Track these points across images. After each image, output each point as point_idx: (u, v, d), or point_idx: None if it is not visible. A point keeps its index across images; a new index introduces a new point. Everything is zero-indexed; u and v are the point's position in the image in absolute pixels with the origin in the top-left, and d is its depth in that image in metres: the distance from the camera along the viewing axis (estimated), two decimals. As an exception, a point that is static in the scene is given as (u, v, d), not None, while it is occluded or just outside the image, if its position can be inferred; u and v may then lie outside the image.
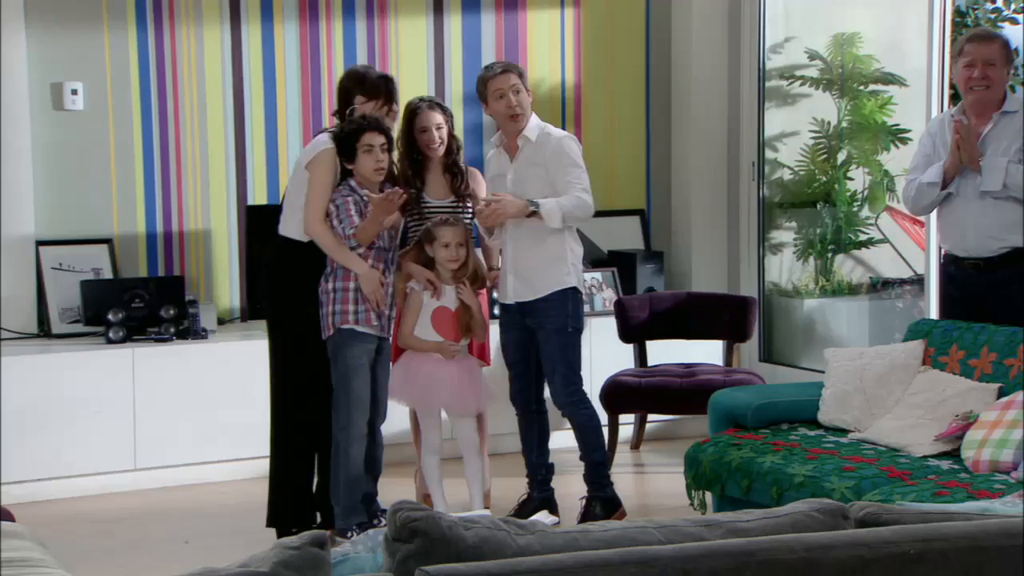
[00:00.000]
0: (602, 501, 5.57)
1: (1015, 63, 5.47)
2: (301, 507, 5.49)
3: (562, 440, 6.01)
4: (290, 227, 5.40)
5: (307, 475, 5.52)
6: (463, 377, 5.56)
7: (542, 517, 5.48)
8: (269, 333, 5.50)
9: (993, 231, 5.25)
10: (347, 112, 5.45)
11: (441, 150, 5.74)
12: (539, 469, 5.68)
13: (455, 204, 5.75)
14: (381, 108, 5.46)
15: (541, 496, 5.63)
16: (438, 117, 5.74)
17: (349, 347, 5.32)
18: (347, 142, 5.30)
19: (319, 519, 5.54)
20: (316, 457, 5.52)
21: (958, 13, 8.50)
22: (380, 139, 5.29)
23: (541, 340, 5.53)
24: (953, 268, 5.44)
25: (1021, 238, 5.21)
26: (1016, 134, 5.24)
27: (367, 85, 5.48)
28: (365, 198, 5.29)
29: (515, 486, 5.83)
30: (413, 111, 5.75)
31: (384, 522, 3.42)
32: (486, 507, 5.64)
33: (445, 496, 5.61)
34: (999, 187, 5.19)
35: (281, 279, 5.45)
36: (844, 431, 5.15)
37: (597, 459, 5.61)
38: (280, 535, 5.43)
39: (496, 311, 5.89)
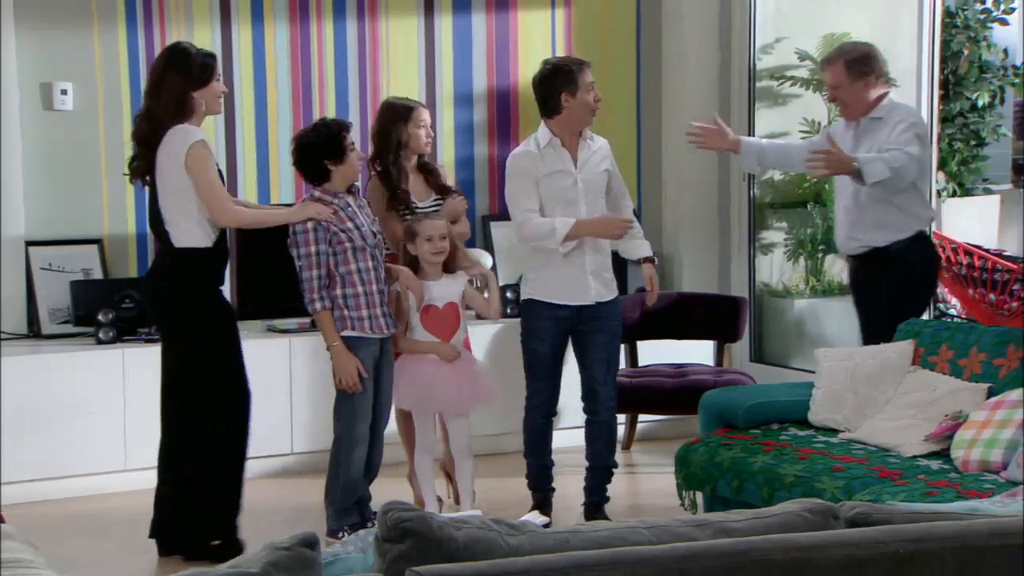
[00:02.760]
0: (597, 506, 5.56)
1: (881, 67, 5.59)
2: (190, 524, 5.21)
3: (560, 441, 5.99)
4: (185, 235, 5.11)
5: (198, 490, 5.19)
6: (461, 377, 5.49)
7: (532, 517, 5.49)
8: (167, 345, 5.23)
9: (852, 231, 5.63)
10: (180, 101, 5.11)
11: (429, 147, 5.80)
12: (548, 472, 5.63)
13: (438, 201, 5.76)
14: (215, 91, 5.23)
15: (540, 496, 5.60)
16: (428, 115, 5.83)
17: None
18: (334, 144, 5.28)
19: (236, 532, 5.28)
20: (208, 472, 5.20)
21: (948, 14, 8.51)
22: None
23: (602, 341, 5.47)
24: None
25: (876, 237, 5.54)
26: (876, 135, 5.50)
27: (195, 66, 5.18)
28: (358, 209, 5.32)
29: (507, 487, 5.83)
30: (408, 109, 5.74)
31: (375, 523, 3.41)
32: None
33: (437, 496, 5.60)
34: (887, 174, 5.32)
35: (180, 291, 5.15)
36: (834, 431, 5.16)
37: (614, 464, 5.60)
38: (163, 549, 5.26)
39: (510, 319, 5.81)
